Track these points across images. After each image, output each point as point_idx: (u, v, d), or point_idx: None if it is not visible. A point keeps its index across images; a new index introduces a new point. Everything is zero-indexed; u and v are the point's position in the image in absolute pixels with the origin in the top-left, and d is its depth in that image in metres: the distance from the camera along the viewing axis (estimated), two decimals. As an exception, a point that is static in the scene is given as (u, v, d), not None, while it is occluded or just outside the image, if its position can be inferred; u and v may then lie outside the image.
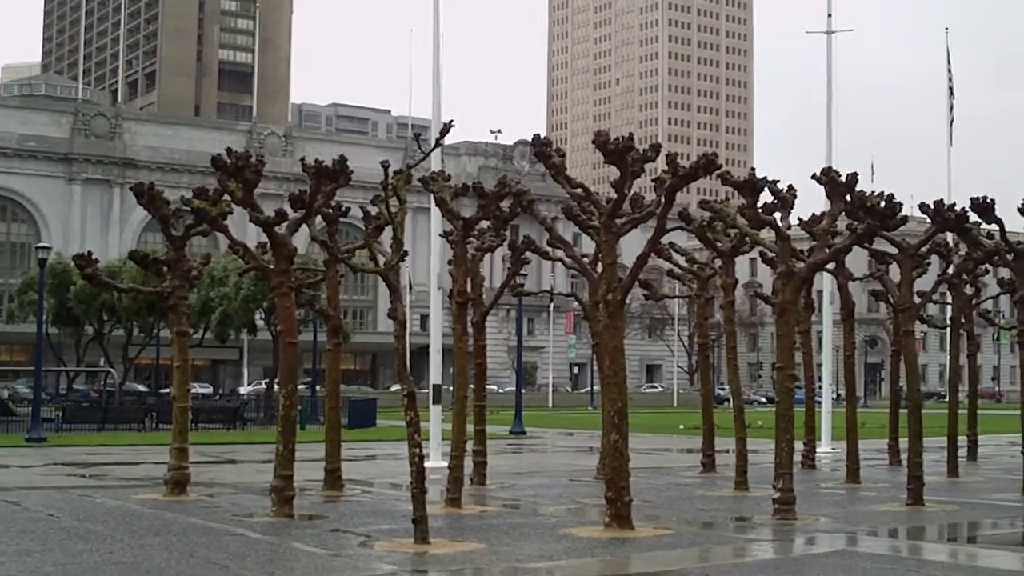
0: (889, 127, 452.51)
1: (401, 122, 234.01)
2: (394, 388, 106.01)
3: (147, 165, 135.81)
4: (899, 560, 18.52)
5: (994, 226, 28.04)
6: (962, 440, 36.03)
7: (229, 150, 22.50)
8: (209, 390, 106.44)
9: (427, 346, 36.77)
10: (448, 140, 23.10)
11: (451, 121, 21.54)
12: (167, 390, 64.08)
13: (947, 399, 35.24)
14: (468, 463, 26.51)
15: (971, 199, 27.23)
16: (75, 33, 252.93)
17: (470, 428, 27.20)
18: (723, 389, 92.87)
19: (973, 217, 27.46)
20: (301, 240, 25.49)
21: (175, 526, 20.78)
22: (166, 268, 26.83)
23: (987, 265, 32.57)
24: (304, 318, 55.94)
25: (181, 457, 25.85)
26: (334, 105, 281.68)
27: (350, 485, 27.83)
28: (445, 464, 26.62)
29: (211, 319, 68.47)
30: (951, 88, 62.18)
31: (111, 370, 76.15)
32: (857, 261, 33.98)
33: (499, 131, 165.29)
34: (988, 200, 27.14)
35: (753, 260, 35.45)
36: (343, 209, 25.89)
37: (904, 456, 26.51)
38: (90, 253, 27.43)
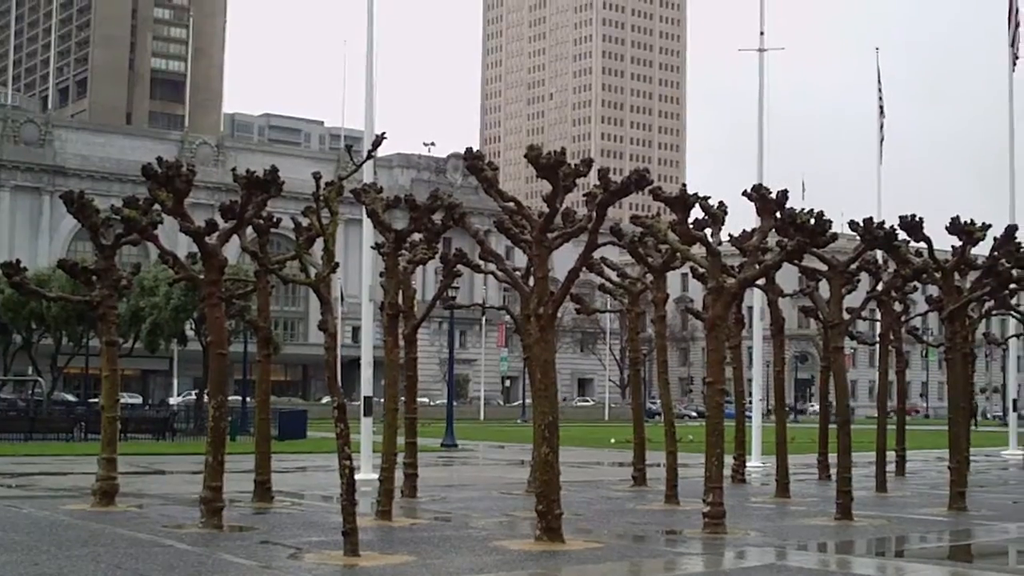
0: (822, 144, 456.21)
1: (334, 133, 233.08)
2: (325, 400, 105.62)
3: (77, 173, 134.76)
4: (828, 574, 18.64)
5: (922, 244, 28.31)
6: (891, 455, 36.35)
7: (160, 159, 22.37)
8: (139, 400, 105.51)
9: (359, 358, 36.68)
10: (381, 152, 23.05)
11: (383, 133, 21.48)
12: (96, 400, 63.55)
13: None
14: (399, 475, 26.45)
15: (900, 217, 27.48)
16: (5, 39, 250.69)
17: (401, 440, 27.15)
18: (654, 403, 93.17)
19: (902, 235, 27.72)
20: (232, 251, 25.33)
21: (103, 537, 20.61)
22: (95, 277, 26.60)
23: (915, 282, 32.89)
24: (235, 329, 55.69)
25: (110, 467, 25.63)
26: (267, 115, 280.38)
27: (280, 497, 27.73)
28: (376, 476, 26.55)
29: (141, 329, 67.99)
30: (881, 107, 62.66)
31: (39, 379, 75.36)
32: (787, 277, 34.18)
33: (432, 143, 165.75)
34: (916, 218, 27.42)
35: (685, 275, 35.57)
36: (274, 220, 25.77)
37: (833, 471, 26.68)
38: (18, 261, 27.12)
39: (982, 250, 29.52)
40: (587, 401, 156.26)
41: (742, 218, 30.64)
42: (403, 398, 28.20)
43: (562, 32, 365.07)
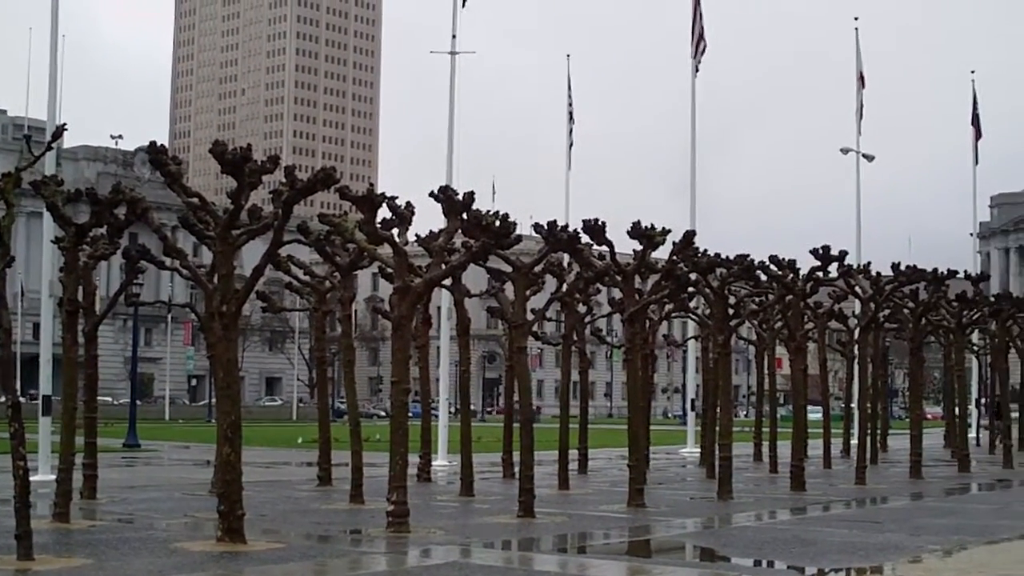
0: (517, 147, 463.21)
1: (17, 123, 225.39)
2: (2, 399, 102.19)
3: None
4: (510, 571, 18.91)
5: (605, 248, 28.92)
6: (574, 454, 37.10)
7: None
8: None
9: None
10: (67, 144, 22.50)
11: (64, 124, 20.95)
12: None
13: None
14: (78, 476, 25.80)
15: (583, 221, 28.03)
16: None
17: (81, 441, 26.47)
18: (344, 402, 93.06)
19: (585, 238, 28.28)
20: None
21: None
22: None
23: (599, 285, 33.64)
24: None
25: None
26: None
27: (-50, 500, 26.73)
28: (54, 477, 25.85)
29: None
30: (571, 113, 63.99)
31: None
32: (476, 278, 34.58)
33: (120, 136, 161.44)
34: (599, 222, 28.01)
35: (375, 274, 35.85)
36: (-51, 213, 24.75)
37: (518, 469, 27.06)
38: None
39: (663, 254, 30.33)
40: (275, 400, 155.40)
41: (432, 218, 30.84)
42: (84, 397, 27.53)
43: (256, 27, 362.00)
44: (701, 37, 55.13)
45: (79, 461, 26.32)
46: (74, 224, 24.46)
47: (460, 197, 24.25)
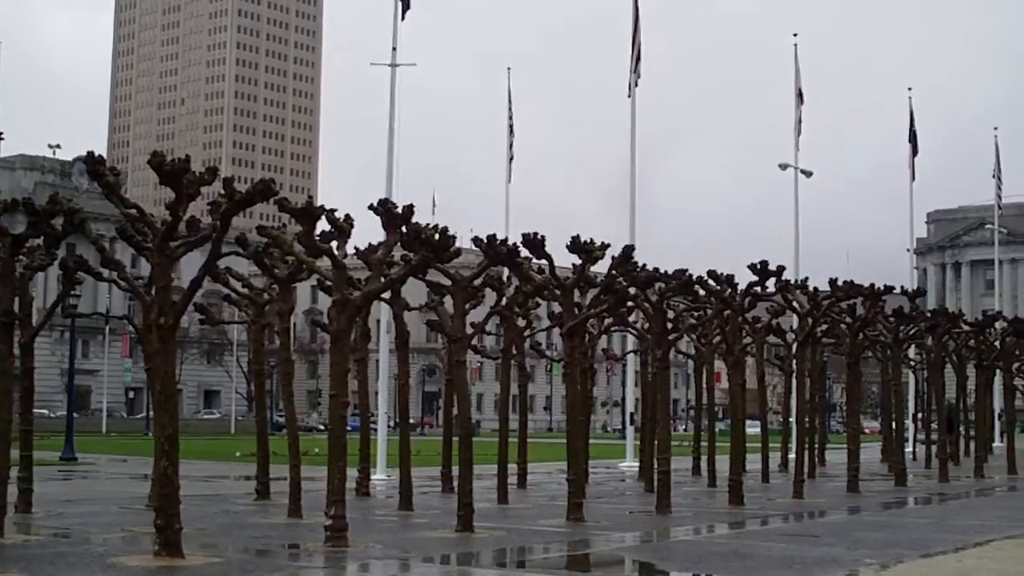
0: (459, 159, 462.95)
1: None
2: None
3: None
4: (448, 585, 18.93)
5: (544, 261, 28.95)
6: (514, 468, 37.08)
7: None
8: None
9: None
10: (4, 153, 22.31)
11: (0, 133, 20.86)
12: None
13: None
14: (13, 490, 25.53)
15: (523, 235, 28.04)
16: None
17: (16, 454, 26.22)
18: (282, 416, 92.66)
19: (525, 252, 28.29)
20: None
21: None
22: None
23: (538, 299, 33.65)
24: None
25: None
26: None
27: None
28: (-13, 491, 25.57)
29: None
30: (511, 126, 63.94)
31: None
32: (415, 291, 34.50)
33: (58, 146, 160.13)
34: (538, 236, 28.01)
35: (314, 287, 35.68)
36: None
37: (457, 483, 27.00)
38: None
39: (602, 268, 30.37)
40: (213, 413, 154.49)
41: (372, 231, 30.79)
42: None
43: (196, 37, 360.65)
44: (639, 51, 55.26)
45: (14, 475, 26.03)
46: (10, 234, 24.23)
47: (400, 210, 24.21)
